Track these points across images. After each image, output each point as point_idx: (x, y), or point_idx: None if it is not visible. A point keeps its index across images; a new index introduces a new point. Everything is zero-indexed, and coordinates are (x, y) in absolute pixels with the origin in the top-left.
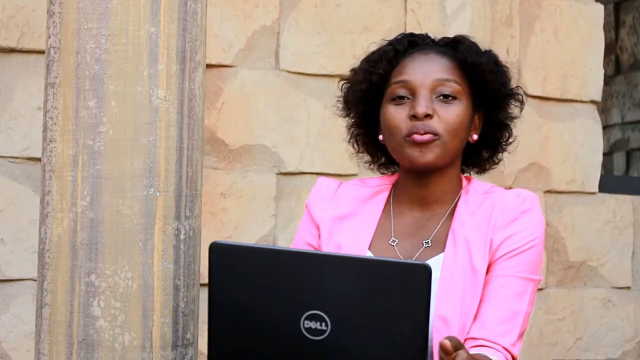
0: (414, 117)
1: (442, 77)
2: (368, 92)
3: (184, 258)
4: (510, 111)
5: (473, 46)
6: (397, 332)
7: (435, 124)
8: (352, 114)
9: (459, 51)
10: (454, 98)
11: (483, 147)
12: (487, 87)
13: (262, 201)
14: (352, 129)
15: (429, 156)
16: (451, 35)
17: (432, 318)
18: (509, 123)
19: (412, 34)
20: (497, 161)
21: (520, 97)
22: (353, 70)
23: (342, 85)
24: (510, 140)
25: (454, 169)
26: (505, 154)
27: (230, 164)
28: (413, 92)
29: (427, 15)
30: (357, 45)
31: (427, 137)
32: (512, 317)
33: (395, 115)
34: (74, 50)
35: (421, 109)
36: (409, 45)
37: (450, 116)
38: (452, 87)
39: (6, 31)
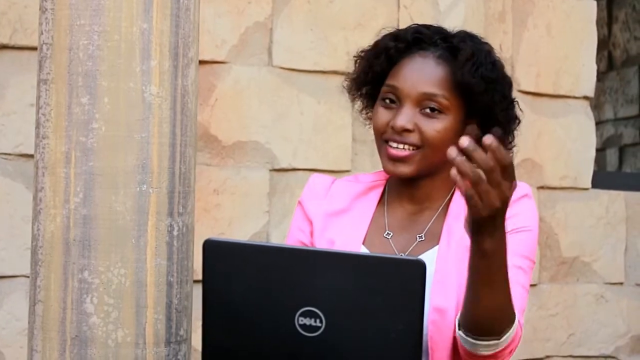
0: (392, 127)
1: (429, 91)
2: (366, 84)
3: (177, 254)
4: (506, 123)
5: (473, 60)
6: (391, 328)
7: (414, 137)
8: (358, 96)
9: (456, 62)
10: (440, 112)
11: None
12: (476, 105)
13: (255, 197)
14: (363, 111)
15: (402, 169)
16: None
17: (427, 310)
18: (504, 134)
19: (419, 31)
20: None
21: (513, 114)
22: (362, 51)
23: (355, 63)
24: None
25: (445, 171)
26: None
27: (223, 161)
28: (400, 100)
29: (419, 12)
30: (350, 41)
31: (404, 152)
32: (513, 286)
33: (381, 117)
34: (66, 47)
35: (399, 122)
36: (414, 42)
37: (432, 131)
38: (438, 103)
39: None
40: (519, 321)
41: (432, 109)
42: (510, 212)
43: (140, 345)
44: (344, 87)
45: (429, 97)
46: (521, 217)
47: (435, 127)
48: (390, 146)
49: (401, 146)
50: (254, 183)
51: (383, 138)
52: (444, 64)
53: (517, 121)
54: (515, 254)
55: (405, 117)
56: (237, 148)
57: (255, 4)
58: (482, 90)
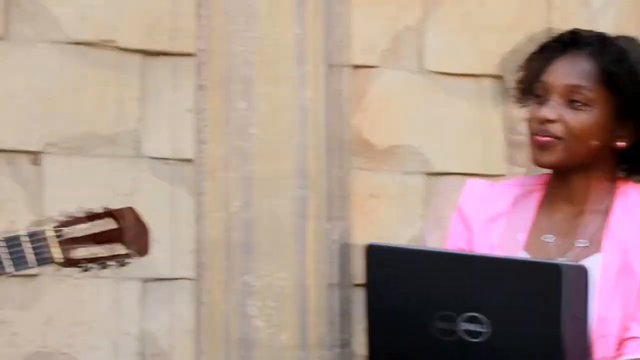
0: (537, 119)
1: (575, 83)
2: (524, 84)
3: (337, 258)
4: None
5: (621, 52)
6: (552, 334)
7: (556, 128)
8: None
9: (606, 55)
10: (585, 104)
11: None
12: (625, 97)
13: (410, 202)
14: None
15: (546, 157)
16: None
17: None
18: None
19: (574, 32)
20: None
21: None
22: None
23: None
24: None
25: (600, 170)
26: None
27: (377, 165)
28: (547, 94)
29: (571, 13)
30: (501, 44)
31: (545, 139)
32: None
33: (531, 112)
34: (222, 53)
35: (542, 112)
36: (571, 42)
37: (574, 123)
38: (583, 95)
39: (154, 34)
40: None
41: (578, 101)
42: None
43: (303, 348)
44: (513, 97)
45: (573, 89)
46: None
47: (579, 118)
48: (537, 134)
49: (543, 135)
50: (408, 187)
51: (531, 132)
52: (594, 59)
53: None
54: None
55: (549, 108)
56: (390, 152)
57: (405, 8)
58: (627, 82)
